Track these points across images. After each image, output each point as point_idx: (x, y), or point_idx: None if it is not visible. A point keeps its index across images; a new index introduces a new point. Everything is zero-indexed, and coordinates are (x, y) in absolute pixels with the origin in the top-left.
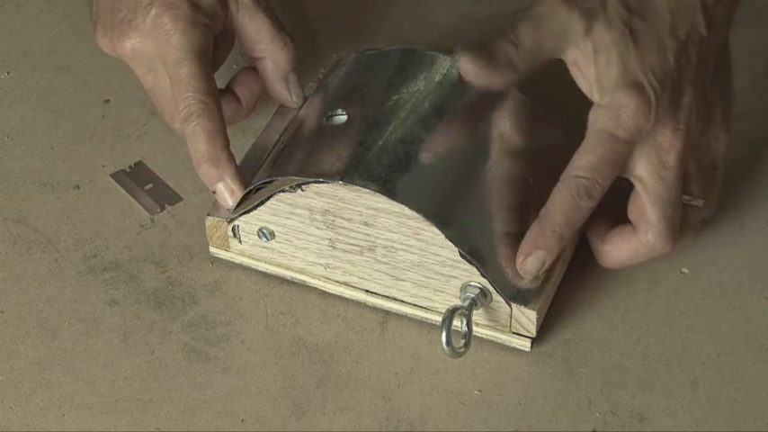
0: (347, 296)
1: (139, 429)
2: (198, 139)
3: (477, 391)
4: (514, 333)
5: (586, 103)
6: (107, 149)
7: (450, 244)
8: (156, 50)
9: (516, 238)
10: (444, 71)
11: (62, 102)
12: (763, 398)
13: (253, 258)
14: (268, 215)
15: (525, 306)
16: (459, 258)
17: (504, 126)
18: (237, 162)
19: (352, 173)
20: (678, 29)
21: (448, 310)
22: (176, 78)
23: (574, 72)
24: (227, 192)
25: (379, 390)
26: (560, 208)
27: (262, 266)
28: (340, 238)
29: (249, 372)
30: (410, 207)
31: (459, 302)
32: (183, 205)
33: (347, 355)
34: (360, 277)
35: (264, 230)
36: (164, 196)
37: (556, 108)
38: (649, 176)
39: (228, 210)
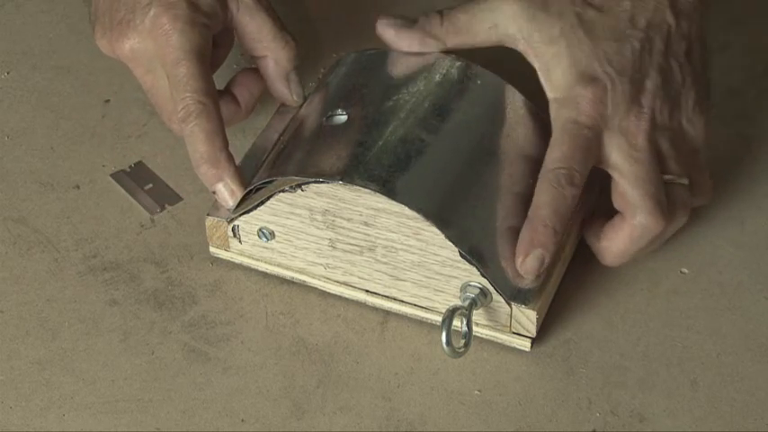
0: (347, 296)
1: (139, 429)
2: (196, 140)
3: (477, 391)
4: (514, 333)
5: None
6: (107, 149)
7: (450, 244)
8: (154, 51)
9: (516, 237)
10: (444, 71)
11: (62, 102)
12: (763, 398)
13: (253, 258)
14: (268, 215)
15: (525, 306)
16: (459, 258)
17: (505, 126)
18: (237, 162)
19: (352, 173)
20: (638, 17)
21: (448, 310)
22: (174, 78)
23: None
24: (227, 192)
25: (379, 390)
26: (546, 201)
27: (262, 266)
28: (340, 238)
29: (249, 372)
30: (410, 207)
31: (459, 302)
32: (183, 205)
33: (347, 355)
34: (360, 277)
35: (264, 230)
36: (164, 196)
37: None
38: (623, 161)
39: (229, 210)
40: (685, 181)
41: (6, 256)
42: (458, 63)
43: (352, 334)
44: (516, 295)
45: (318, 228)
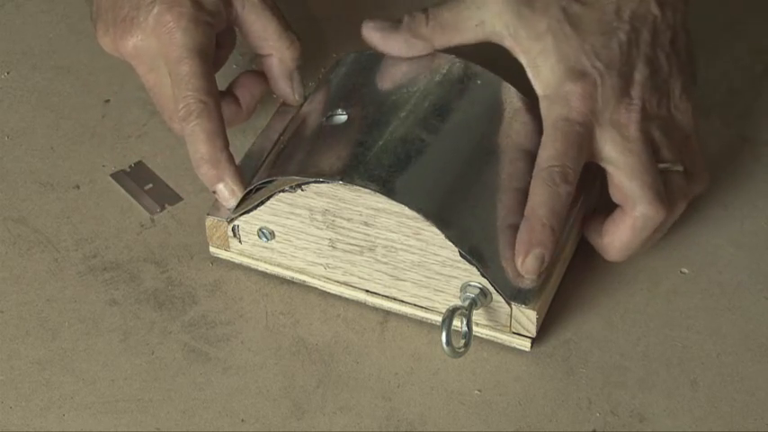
0: (347, 296)
1: (139, 429)
2: (197, 140)
3: (477, 391)
4: (514, 333)
5: None
6: (107, 149)
7: (450, 244)
8: (158, 48)
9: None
10: (444, 71)
11: (62, 102)
12: (763, 398)
13: (253, 258)
14: (268, 215)
15: (525, 306)
16: (459, 258)
17: (506, 126)
18: (237, 162)
19: (352, 173)
20: (624, 9)
21: (448, 310)
22: (177, 77)
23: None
24: (228, 192)
25: (379, 390)
26: (541, 200)
27: (262, 266)
28: (340, 238)
29: (249, 372)
30: (410, 207)
31: (459, 302)
32: (183, 205)
33: (347, 355)
34: (360, 277)
35: (264, 230)
36: (164, 196)
37: None
38: (618, 154)
39: (229, 210)
40: (680, 168)
41: (6, 256)
42: (457, 63)
43: (352, 334)
44: (516, 295)
45: (318, 228)
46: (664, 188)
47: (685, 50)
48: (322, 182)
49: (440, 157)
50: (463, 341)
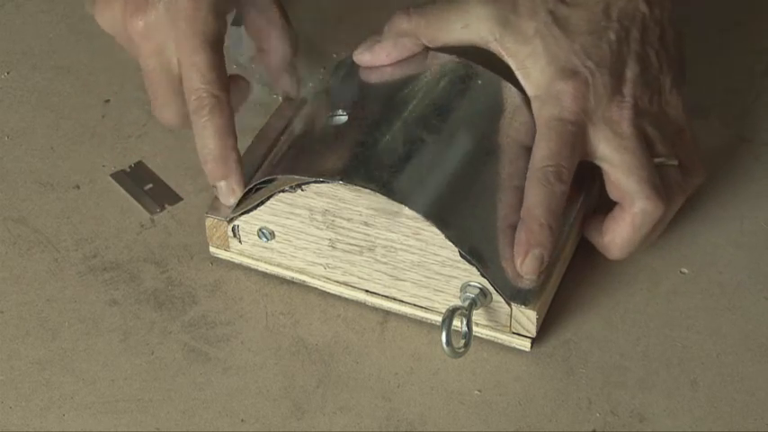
0: (347, 296)
1: (139, 429)
2: (207, 135)
3: (477, 391)
4: (514, 333)
5: None
6: (107, 149)
7: (450, 244)
8: (171, 34)
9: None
10: (445, 71)
11: (62, 102)
12: (763, 398)
13: (253, 258)
14: (268, 215)
15: (525, 306)
16: (459, 258)
17: (506, 126)
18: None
19: (353, 173)
20: (612, 8)
21: (448, 310)
22: (190, 67)
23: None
24: (229, 190)
25: (379, 390)
26: (537, 201)
27: (262, 266)
28: (340, 238)
29: (249, 372)
30: (410, 207)
31: (459, 302)
32: (183, 205)
33: (347, 355)
34: (360, 277)
35: (264, 230)
36: (164, 196)
37: None
38: (612, 151)
39: (228, 207)
40: (675, 162)
41: (6, 256)
42: (458, 62)
43: (352, 334)
44: (516, 295)
45: (318, 228)
46: (660, 183)
47: (674, 46)
48: (322, 182)
49: (440, 157)
50: (463, 341)
